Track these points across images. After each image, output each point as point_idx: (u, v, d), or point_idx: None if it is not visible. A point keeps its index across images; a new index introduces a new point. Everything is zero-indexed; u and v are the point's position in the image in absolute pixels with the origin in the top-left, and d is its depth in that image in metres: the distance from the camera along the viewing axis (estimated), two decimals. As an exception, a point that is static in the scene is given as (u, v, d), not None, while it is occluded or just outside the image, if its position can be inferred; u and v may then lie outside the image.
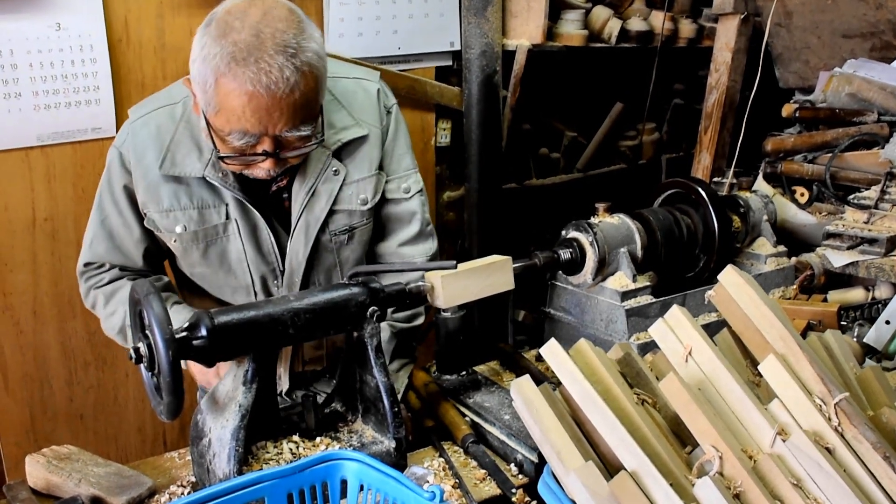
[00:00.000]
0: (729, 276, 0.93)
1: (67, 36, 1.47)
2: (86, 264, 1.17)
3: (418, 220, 1.21)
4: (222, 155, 1.00)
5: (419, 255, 1.22)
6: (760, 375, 0.87)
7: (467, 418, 1.08)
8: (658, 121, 2.61)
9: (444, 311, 1.14)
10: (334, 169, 1.11)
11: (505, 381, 1.22)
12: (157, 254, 1.17)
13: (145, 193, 1.09)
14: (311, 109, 0.98)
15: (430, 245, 1.24)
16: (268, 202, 1.12)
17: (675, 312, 0.90)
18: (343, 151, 1.12)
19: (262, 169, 1.01)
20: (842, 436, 0.80)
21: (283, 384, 1.22)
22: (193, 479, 0.98)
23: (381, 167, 1.16)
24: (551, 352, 0.87)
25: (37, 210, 1.53)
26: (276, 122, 0.95)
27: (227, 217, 1.10)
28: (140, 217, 1.12)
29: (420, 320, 1.24)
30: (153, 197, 1.09)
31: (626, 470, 0.77)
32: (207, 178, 1.07)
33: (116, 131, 1.56)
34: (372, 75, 1.20)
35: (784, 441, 0.79)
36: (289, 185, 1.11)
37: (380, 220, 1.20)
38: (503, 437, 1.03)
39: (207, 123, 0.99)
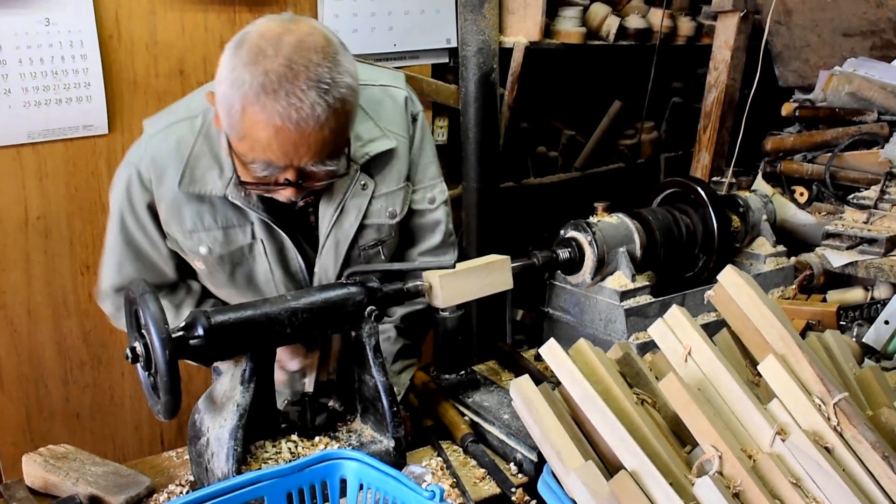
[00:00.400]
0: (728, 276, 0.93)
1: (57, 31, 1.45)
2: (117, 290, 1.11)
3: (441, 231, 1.19)
4: (243, 181, 0.96)
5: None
6: (760, 375, 0.87)
7: (466, 418, 1.08)
8: (657, 119, 2.61)
9: (443, 310, 1.13)
10: (363, 183, 1.08)
11: (504, 380, 1.21)
12: (189, 266, 1.12)
13: (168, 213, 1.05)
14: (339, 144, 0.96)
15: (451, 256, 1.20)
16: (293, 219, 1.08)
17: (675, 312, 0.90)
18: (371, 164, 1.09)
19: (283, 195, 0.99)
20: (841, 435, 0.80)
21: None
22: (192, 478, 0.98)
23: (408, 177, 1.14)
24: (551, 351, 0.86)
25: (29, 208, 1.52)
26: (302, 156, 0.92)
27: (254, 237, 1.06)
28: (164, 234, 1.08)
29: (420, 305, 1.20)
30: (176, 217, 1.05)
31: (625, 469, 0.77)
32: (230, 198, 1.03)
33: (108, 129, 1.55)
34: (398, 81, 1.16)
35: (783, 441, 0.79)
36: (315, 201, 1.08)
37: (404, 230, 1.18)
38: (502, 437, 1.02)
39: (230, 145, 0.95)
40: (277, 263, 1.08)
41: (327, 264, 1.09)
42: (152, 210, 1.07)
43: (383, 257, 1.13)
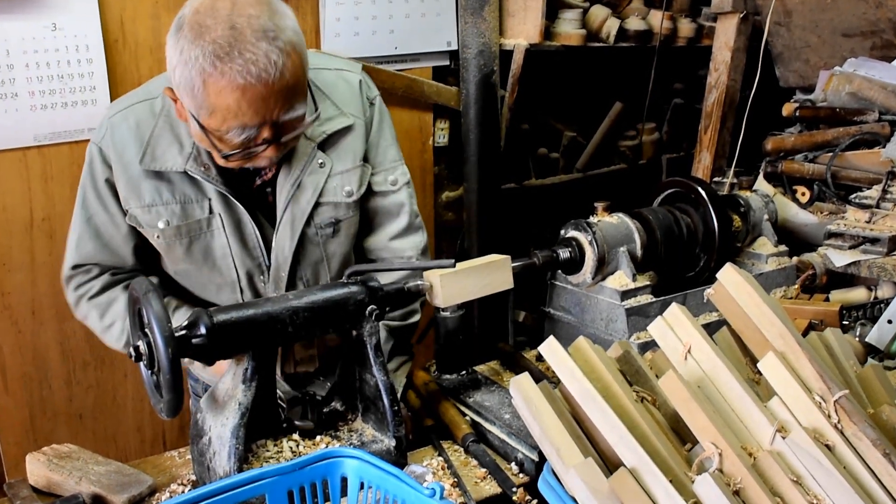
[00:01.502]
0: (728, 275, 0.93)
1: (63, 36, 1.47)
2: (74, 267, 1.13)
3: (407, 213, 1.20)
4: (226, 154, 0.98)
5: (410, 249, 1.20)
6: (760, 373, 0.87)
7: (467, 417, 1.08)
8: (658, 120, 2.61)
9: (444, 310, 1.14)
10: (320, 161, 1.10)
11: (505, 380, 1.21)
12: (147, 252, 1.13)
13: (126, 189, 1.07)
14: (301, 88, 0.97)
15: (421, 238, 1.22)
16: (252, 197, 1.10)
17: (674, 310, 0.90)
18: (327, 143, 1.11)
19: (265, 158, 1.00)
20: (841, 433, 0.80)
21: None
22: (194, 477, 0.98)
23: (365, 159, 1.15)
24: (550, 349, 0.86)
25: (34, 210, 1.53)
26: (272, 108, 0.94)
27: (211, 212, 1.07)
28: (125, 213, 1.09)
29: (416, 318, 1.23)
30: (135, 192, 1.07)
31: (625, 467, 0.77)
32: (189, 172, 1.05)
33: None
34: (353, 66, 1.19)
35: (784, 438, 0.79)
36: (273, 179, 1.10)
37: (367, 214, 1.19)
38: (503, 436, 1.02)
39: (203, 128, 0.97)
40: (235, 238, 1.09)
41: (284, 241, 1.10)
42: (112, 187, 1.08)
43: (342, 237, 1.14)
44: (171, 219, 1.07)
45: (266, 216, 1.11)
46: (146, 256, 1.14)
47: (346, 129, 1.12)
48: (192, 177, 1.06)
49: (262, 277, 1.13)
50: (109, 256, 1.12)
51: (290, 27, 0.95)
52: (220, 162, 1.02)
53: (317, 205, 1.10)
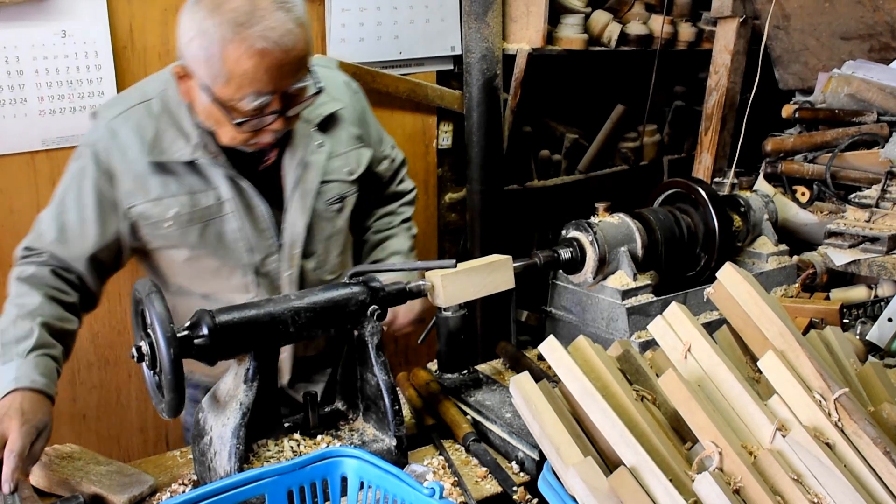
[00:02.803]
0: (727, 274, 0.93)
1: (73, 43, 1.49)
2: (26, 248, 1.09)
3: (403, 163, 1.38)
4: (238, 120, 1.00)
5: (410, 186, 1.39)
6: (760, 372, 0.87)
7: (468, 416, 1.08)
8: (659, 122, 2.62)
9: (445, 310, 1.14)
10: (319, 142, 1.16)
11: (506, 379, 1.22)
12: (102, 269, 1.11)
13: (133, 185, 1.07)
14: (307, 60, 1.03)
15: (409, 178, 1.39)
16: (258, 181, 1.12)
17: (674, 309, 0.90)
18: (322, 126, 1.17)
19: (270, 132, 1.04)
20: (842, 431, 0.80)
21: (285, 375, 1.21)
22: (195, 477, 0.99)
23: (360, 140, 1.24)
24: (550, 348, 0.87)
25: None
26: (285, 76, 0.99)
27: (220, 199, 1.10)
28: (101, 223, 1.07)
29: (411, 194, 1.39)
30: (141, 188, 1.07)
31: (625, 466, 0.77)
32: (198, 161, 1.07)
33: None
34: (330, 62, 1.29)
35: (784, 437, 0.79)
36: (276, 164, 1.13)
37: (382, 182, 1.33)
38: (504, 435, 1.03)
39: (215, 100, 0.99)
40: (246, 220, 1.11)
41: (295, 218, 1.14)
42: (98, 192, 1.07)
43: (346, 213, 1.22)
44: (182, 207, 1.09)
45: (271, 199, 1.14)
46: (99, 274, 1.11)
47: (338, 114, 1.19)
48: (198, 168, 1.08)
49: (274, 257, 1.15)
50: (62, 251, 1.08)
51: (300, 4, 1.01)
52: (226, 140, 1.04)
53: (323, 182, 1.17)
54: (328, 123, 1.17)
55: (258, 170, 1.12)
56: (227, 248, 1.12)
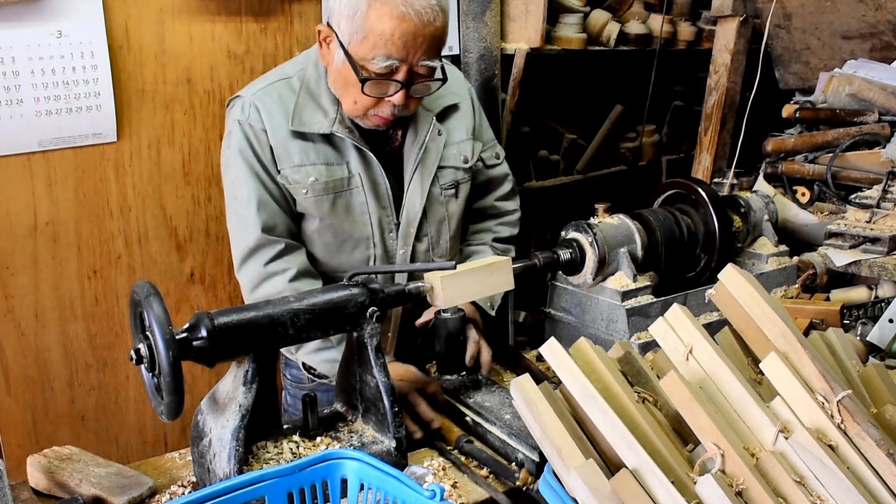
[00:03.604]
0: (729, 275, 0.93)
1: (69, 43, 1.48)
2: (264, 229, 1.16)
3: (510, 180, 1.44)
4: (364, 77, 1.09)
5: (512, 205, 1.43)
6: (762, 373, 0.87)
7: (467, 418, 1.08)
8: (658, 122, 2.61)
9: (444, 311, 1.14)
10: (437, 129, 1.26)
11: (505, 381, 1.21)
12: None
13: (279, 150, 1.18)
14: (441, 43, 1.12)
15: (517, 201, 1.45)
16: (384, 159, 1.21)
17: (676, 311, 0.90)
18: (441, 117, 1.27)
19: (390, 104, 1.12)
20: (844, 433, 0.79)
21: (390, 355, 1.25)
22: (194, 479, 0.98)
23: (473, 134, 1.32)
24: (551, 350, 0.86)
25: (38, 214, 1.54)
26: (417, 48, 1.08)
27: (350, 172, 1.20)
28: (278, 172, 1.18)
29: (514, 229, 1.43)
30: (286, 154, 1.18)
31: (627, 468, 0.77)
32: (335, 133, 1.17)
33: (116, 136, 1.57)
34: (446, 61, 1.35)
35: (786, 439, 0.78)
36: (400, 147, 1.24)
37: (479, 182, 1.38)
38: (504, 437, 1.02)
39: (349, 56, 1.08)
40: (371, 195, 1.21)
41: (414, 198, 1.24)
42: (265, 159, 1.18)
43: (460, 199, 1.30)
44: (319, 176, 1.18)
45: (392, 179, 1.23)
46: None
47: (456, 106, 1.30)
48: (333, 141, 1.19)
49: (391, 234, 1.24)
50: (287, 222, 1.20)
51: None
52: (348, 106, 1.14)
53: (440, 168, 1.26)
54: (446, 114, 1.27)
55: (385, 150, 1.22)
56: (353, 221, 1.21)
